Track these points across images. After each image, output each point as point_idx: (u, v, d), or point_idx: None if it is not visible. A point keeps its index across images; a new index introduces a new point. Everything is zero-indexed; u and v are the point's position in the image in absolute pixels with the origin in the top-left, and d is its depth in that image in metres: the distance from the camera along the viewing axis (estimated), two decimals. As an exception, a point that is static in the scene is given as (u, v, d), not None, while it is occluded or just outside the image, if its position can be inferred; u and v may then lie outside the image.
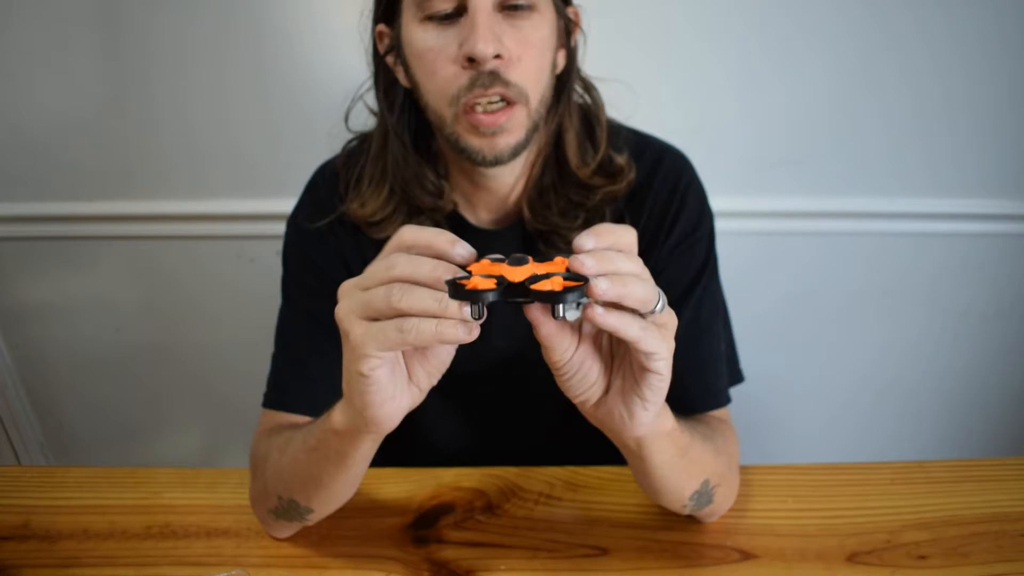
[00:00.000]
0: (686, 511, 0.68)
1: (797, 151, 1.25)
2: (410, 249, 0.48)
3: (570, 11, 0.73)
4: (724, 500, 0.70)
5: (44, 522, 0.74)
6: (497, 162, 0.69)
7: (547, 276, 0.45)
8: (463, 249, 0.47)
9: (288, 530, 0.71)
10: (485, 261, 0.47)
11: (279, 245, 0.84)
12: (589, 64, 0.78)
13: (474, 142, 0.68)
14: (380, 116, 0.76)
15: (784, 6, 1.13)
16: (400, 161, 0.75)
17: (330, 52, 1.16)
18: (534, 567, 0.68)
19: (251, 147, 1.24)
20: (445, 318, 0.45)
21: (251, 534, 0.72)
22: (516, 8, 0.66)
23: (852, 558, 0.68)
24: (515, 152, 0.69)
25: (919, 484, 0.77)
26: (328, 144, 0.83)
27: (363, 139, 0.81)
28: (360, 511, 0.75)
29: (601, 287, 0.44)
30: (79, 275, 1.37)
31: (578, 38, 0.75)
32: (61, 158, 1.26)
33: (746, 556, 0.69)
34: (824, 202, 1.29)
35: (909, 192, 1.29)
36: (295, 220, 0.82)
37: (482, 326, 0.81)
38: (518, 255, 0.46)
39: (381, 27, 0.73)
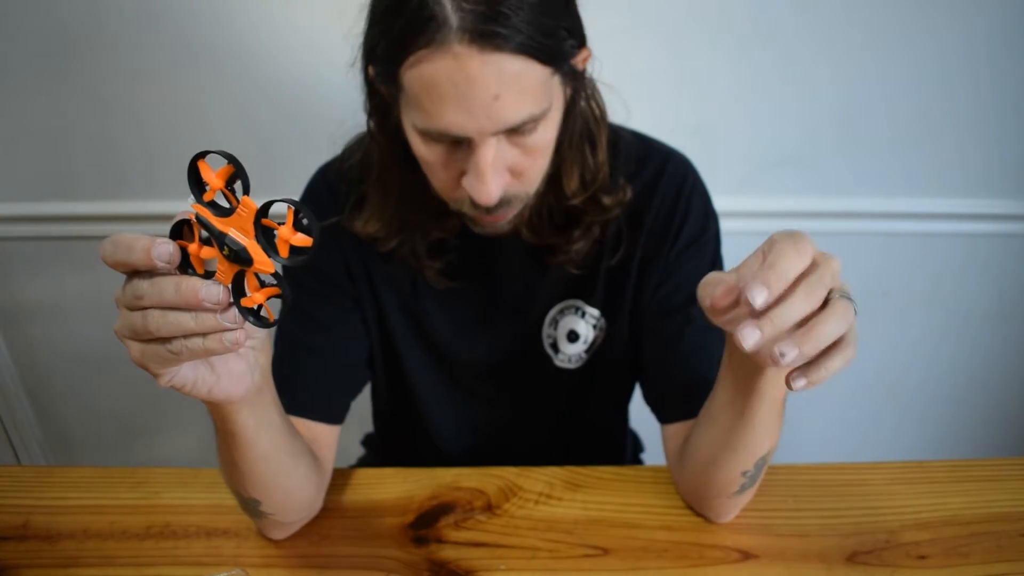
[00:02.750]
0: (733, 491, 0.67)
1: (797, 151, 1.25)
2: (121, 268, 0.45)
3: (581, 57, 0.65)
4: (756, 487, 0.70)
5: (44, 522, 0.73)
6: (495, 233, 0.72)
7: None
8: (163, 252, 0.43)
9: (273, 530, 0.70)
10: (195, 239, 0.44)
11: (278, 245, 0.83)
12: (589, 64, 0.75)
13: (475, 224, 0.71)
14: (380, 147, 0.73)
15: (785, 5, 1.13)
16: (402, 188, 0.73)
17: (330, 53, 1.16)
18: (534, 567, 0.68)
19: (248, 148, 1.24)
20: (209, 333, 0.44)
21: (251, 534, 0.72)
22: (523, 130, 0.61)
23: (852, 558, 0.68)
24: (513, 224, 0.72)
25: (919, 484, 0.77)
26: (328, 147, 0.82)
27: (364, 153, 0.78)
28: (360, 511, 0.75)
29: (794, 362, 0.44)
30: (79, 275, 1.37)
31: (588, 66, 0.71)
32: (61, 158, 1.26)
33: (746, 556, 0.69)
34: (824, 202, 1.29)
35: (910, 192, 1.29)
36: None
37: (481, 317, 0.82)
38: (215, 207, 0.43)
39: (373, 73, 0.65)
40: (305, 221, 0.42)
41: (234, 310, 0.44)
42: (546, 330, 0.82)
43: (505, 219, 0.68)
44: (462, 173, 0.63)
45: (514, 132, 0.61)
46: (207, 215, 0.43)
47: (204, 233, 0.44)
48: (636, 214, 0.77)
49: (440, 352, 0.84)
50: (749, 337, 0.43)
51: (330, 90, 1.16)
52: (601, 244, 0.77)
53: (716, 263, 0.79)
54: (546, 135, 0.64)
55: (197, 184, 0.43)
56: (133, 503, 0.76)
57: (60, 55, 1.17)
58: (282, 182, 0.84)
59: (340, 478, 0.77)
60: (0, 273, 1.37)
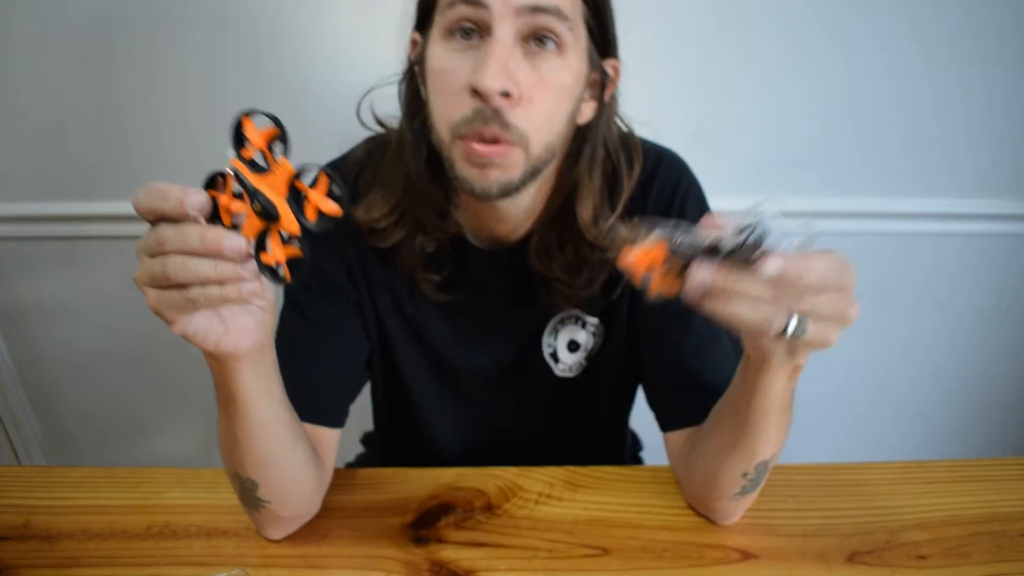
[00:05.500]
0: (733, 492, 0.68)
1: (795, 152, 1.25)
2: (151, 216, 0.47)
3: (609, 64, 0.70)
4: (758, 491, 0.70)
5: (44, 522, 0.73)
6: (486, 196, 0.66)
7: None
8: (197, 200, 0.45)
9: (270, 526, 0.70)
10: (227, 192, 0.46)
11: (278, 245, 0.83)
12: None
13: (466, 170, 0.65)
14: (400, 125, 0.74)
15: (782, 6, 1.13)
16: (413, 175, 0.73)
17: (332, 51, 1.16)
18: (534, 567, 0.68)
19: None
20: (227, 282, 0.46)
21: (251, 534, 0.72)
22: (542, 43, 0.62)
23: (852, 558, 0.68)
24: (504, 191, 0.66)
25: (919, 484, 0.77)
26: (329, 144, 0.82)
27: (372, 146, 0.79)
28: (360, 511, 0.75)
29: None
30: (79, 275, 1.37)
31: (615, 93, 0.72)
32: (61, 158, 1.26)
33: (746, 556, 0.69)
34: (822, 202, 1.29)
35: (908, 192, 1.29)
36: None
37: (482, 327, 0.81)
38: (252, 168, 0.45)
39: (415, 35, 0.71)
40: (337, 191, 0.43)
41: (253, 263, 0.46)
42: (546, 340, 0.82)
43: (498, 155, 0.63)
44: (468, 91, 0.62)
45: (533, 47, 0.62)
46: (244, 170, 0.45)
47: (236, 188, 0.46)
48: (630, 216, 0.76)
49: (439, 360, 0.83)
50: (698, 274, 0.47)
51: (337, 89, 1.16)
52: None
53: None
54: (561, 72, 0.64)
55: (238, 141, 0.45)
56: (133, 503, 0.76)
57: (63, 55, 1.17)
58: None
59: (340, 478, 0.77)
60: (0, 273, 1.37)
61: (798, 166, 1.26)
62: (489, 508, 0.75)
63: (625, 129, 0.77)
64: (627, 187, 0.74)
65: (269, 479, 0.65)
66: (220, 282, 0.46)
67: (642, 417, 0.95)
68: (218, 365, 0.56)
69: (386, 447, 1.02)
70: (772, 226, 0.46)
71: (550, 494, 0.77)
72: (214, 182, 0.47)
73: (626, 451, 1.02)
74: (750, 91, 1.19)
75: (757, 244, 0.46)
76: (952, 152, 1.25)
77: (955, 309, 1.41)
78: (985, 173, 1.27)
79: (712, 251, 0.47)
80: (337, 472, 0.77)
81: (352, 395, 0.80)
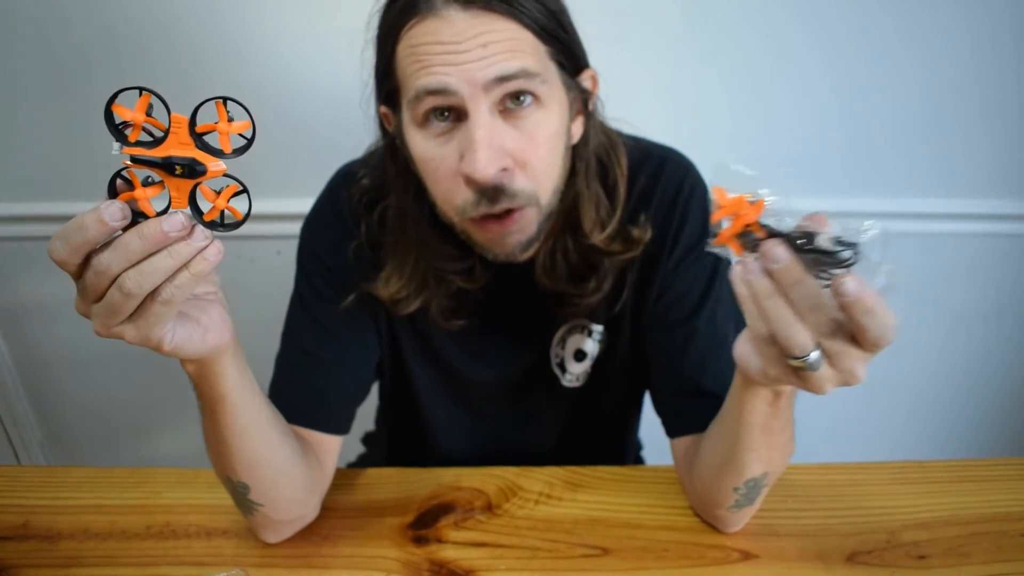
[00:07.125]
0: (728, 504, 0.67)
1: (796, 151, 1.25)
2: (78, 255, 0.44)
3: (585, 76, 0.68)
4: (758, 504, 0.69)
5: (44, 522, 0.74)
6: (508, 258, 0.67)
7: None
8: (114, 211, 0.42)
9: (265, 529, 0.70)
10: (136, 185, 0.44)
11: (279, 245, 0.83)
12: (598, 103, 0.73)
13: (484, 241, 0.66)
14: (395, 196, 0.72)
15: (783, 5, 1.13)
16: (421, 243, 0.72)
17: (333, 54, 1.16)
18: (534, 567, 0.68)
19: (261, 151, 1.24)
20: (192, 262, 0.44)
21: (250, 534, 0.72)
22: (518, 101, 0.60)
23: (852, 558, 0.68)
24: (526, 247, 0.68)
25: (919, 484, 0.77)
26: (331, 145, 0.82)
27: (376, 176, 0.76)
28: (360, 511, 0.75)
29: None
30: (79, 275, 1.37)
31: (597, 100, 0.71)
32: (60, 158, 1.26)
33: (746, 556, 0.69)
34: (823, 202, 1.28)
35: (908, 192, 1.29)
36: (316, 230, 0.78)
37: (493, 342, 0.81)
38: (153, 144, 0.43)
39: (384, 109, 0.68)
40: (235, 108, 0.43)
41: (200, 229, 0.44)
42: (554, 350, 0.82)
43: (513, 225, 0.64)
44: (463, 178, 0.61)
45: (510, 107, 0.60)
46: (142, 152, 0.43)
47: (142, 174, 0.44)
48: (634, 219, 0.76)
49: (449, 374, 0.84)
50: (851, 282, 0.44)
51: (337, 92, 1.16)
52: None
53: (718, 270, 0.76)
54: (546, 123, 0.63)
55: (117, 131, 0.44)
56: (133, 503, 0.76)
57: (63, 56, 1.17)
58: (296, 185, 0.84)
59: (340, 478, 0.77)
60: (0, 273, 1.37)
61: (798, 166, 1.26)
62: (489, 508, 0.75)
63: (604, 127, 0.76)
64: (622, 183, 0.73)
65: (260, 480, 0.65)
66: (184, 265, 0.44)
67: (643, 417, 0.95)
68: (203, 370, 0.55)
69: (391, 445, 1.01)
70: (869, 254, 0.43)
71: (550, 494, 0.77)
72: (114, 189, 0.44)
73: (629, 456, 1.02)
74: (751, 91, 1.19)
75: (845, 262, 0.43)
76: (952, 152, 1.25)
77: (954, 309, 1.41)
78: (984, 173, 1.27)
79: (797, 240, 0.44)
80: (337, 472, 0.77)
81: (359, 402, 0.80)
